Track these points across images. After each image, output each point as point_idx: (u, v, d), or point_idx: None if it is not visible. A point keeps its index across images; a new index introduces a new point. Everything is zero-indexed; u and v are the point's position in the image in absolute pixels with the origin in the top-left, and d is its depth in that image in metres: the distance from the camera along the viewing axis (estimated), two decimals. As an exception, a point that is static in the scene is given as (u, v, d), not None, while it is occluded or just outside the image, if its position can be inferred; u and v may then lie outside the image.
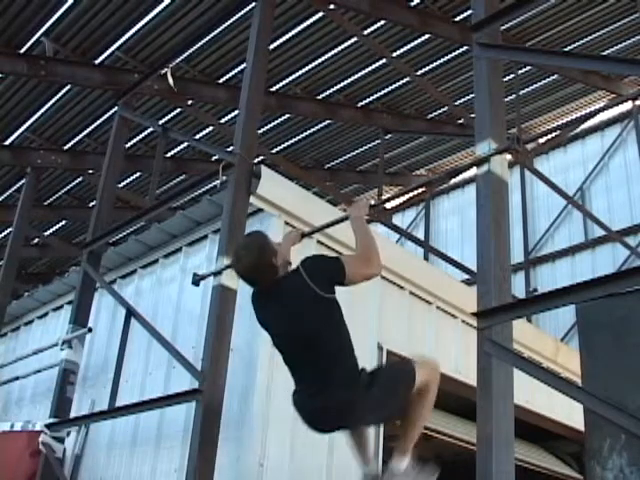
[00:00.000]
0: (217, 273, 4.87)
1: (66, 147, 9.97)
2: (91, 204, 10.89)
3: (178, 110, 9.55)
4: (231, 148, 5.58)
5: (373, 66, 9.51)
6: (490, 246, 3.56)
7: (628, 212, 11.00)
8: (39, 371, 7.12)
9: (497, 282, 3.50)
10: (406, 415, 3.23)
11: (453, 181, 13.71)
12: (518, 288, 11.22)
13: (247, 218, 5.15)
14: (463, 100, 10.35)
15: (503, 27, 7.99)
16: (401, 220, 14.33)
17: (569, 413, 7.15)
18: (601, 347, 3.12)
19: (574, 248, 11.55)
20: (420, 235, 13.24)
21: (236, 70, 8.92)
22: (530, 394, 6.74)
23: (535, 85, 10.80)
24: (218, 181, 5.17)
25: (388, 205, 13.05)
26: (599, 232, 10.78)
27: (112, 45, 8.31)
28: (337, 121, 10.43)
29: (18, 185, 10.20)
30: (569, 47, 9.72)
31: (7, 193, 10.82)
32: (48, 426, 5.78)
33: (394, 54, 9.06)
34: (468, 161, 10.83)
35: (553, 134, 12.16)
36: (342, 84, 9.81)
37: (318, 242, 5.40)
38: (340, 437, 5.08)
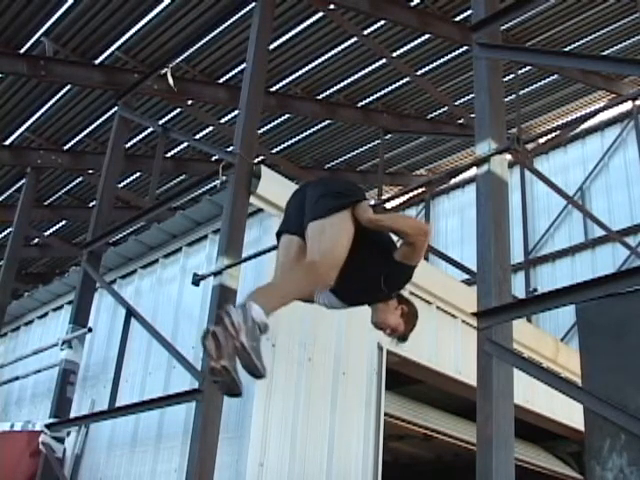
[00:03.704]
0: (217, 273, 4.86)
1: (66, 147, 9.98)
2: (91, 204, 10.90)
3: (178, 110, 9.56)
4: (231, 148, 5.57)
5: (373, 66, 9.51)
6: (490, 246, 3.55)
7: (628, 212, 11.00)
8: (39, 371, 7.10)
9: (497, 282, 3.49)
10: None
11: (453, 181, 13.71)
12: (518, 288, 11.22)
13: (247, 218, 5.15)
14: (463, 100, 10.35)
15: (503, 27, 7.99)
16: (401, 220, 14.30)
17: (569, 413, 7.15)
18: (601, 347, 3.10)
19: (574, 248, 11.55)
20: (420, 235, 13.20)
21: (236, 70, 8.93)
22: (530, 394, 6.74)
23: (535, 85, 10.80)
24: (218, 181, 5.16)
25: (388, 205, 13.03)
26: (599, 232, 10.77)
27: (112, 45, 8.32)
28: (337, 121, 10.43)
29: (18, 185, 10.20)
30: (569, 47, 9.73)
31: (7, 193, 10.83)
32: (48, 426, 5.77)
33: (394, 54, 9.07)
34: (468, 161, 10.85)
35: (553, 134, 12.17)
36: (342, 84, 9.82)
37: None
38: (340, 437, 5.11)
